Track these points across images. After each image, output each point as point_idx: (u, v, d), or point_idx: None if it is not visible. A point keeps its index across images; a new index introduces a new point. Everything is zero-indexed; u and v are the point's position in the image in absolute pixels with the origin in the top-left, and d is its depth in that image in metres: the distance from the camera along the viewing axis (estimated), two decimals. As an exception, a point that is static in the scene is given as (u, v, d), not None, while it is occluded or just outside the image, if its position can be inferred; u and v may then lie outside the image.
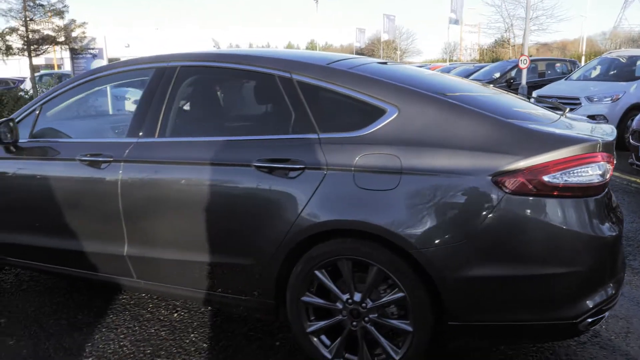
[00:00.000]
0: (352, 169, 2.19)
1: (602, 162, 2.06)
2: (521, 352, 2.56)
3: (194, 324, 2.92)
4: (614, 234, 2.10)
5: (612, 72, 9.34)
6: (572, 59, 14.94)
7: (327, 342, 2.39)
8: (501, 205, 2.01)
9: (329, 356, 2.36)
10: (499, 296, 2.07)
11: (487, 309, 2.09)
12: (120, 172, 2.66)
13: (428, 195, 2.08)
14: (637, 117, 6.34)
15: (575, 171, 2.01)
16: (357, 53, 54.73)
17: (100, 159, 2.73)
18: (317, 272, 2.31)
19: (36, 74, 14.25)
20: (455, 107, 2.19)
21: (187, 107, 2.84)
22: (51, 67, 29.67)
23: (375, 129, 2.23)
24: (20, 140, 3.04)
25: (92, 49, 13.04)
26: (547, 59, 15.05)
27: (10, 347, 2.72)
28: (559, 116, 2.46)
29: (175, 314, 3.04)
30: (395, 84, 2.32)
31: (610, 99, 8.04)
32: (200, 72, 2.76)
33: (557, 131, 2.15)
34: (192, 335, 2.80)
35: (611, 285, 2.15)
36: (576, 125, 2.38)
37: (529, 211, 2.00)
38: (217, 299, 2.61)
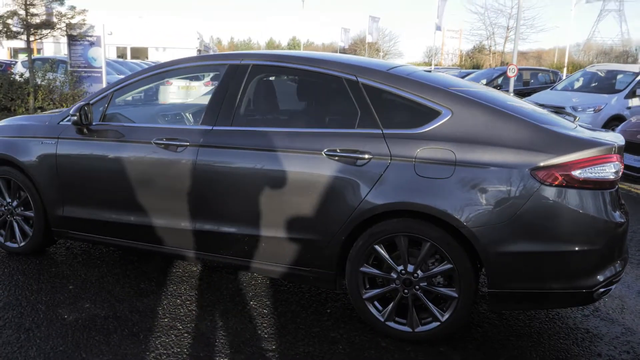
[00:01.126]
0: (414, 160, 2.61)
1: (616, 162, 2.53)
2: (535, 323, 3.02)
3: (251, 293, 3.29)
4: (623, 220, 2.57)
5: (593, 85, 10.02)
6: (555, 70, 15.72)
7: (380, 307, 2.81)
8: (537, 193, 2.46)
9: (382, 319, 2.78)
10: (532, 268, 2.52)
11: (522, 278, 2.54)
12: (197, 155, 3.02)
13: (477, 183, 2.52)
14: (619, 127, 6.95)
15: (596, 168, 2.48)
16: (341, 52, 55.31)
17: (177, 142, 3.08)
18: (376, 247, 2.72)
19: (23, 58, 14.19)
20: (500, 112, 2.64)
21: (259, 100, 3.21)
22: (30, 51, 29.22)
23: (432, 127, 2.66)
24: (93, 123, 3.37)
25: (90, 36, 13.12)
26: (532, 68, 15.79)
27: (88, 309, 3.04)
28: (576, 124, 2.94)
29: (231, 284, 3.42)
30: (448, 90, 2.75)
31: (593, 109, 8.69)
32: (271, 71, 3.15)
33: (582, 135, 2.62)
34: (251, 302, 3.17)
35: (618, 262, 2.63)
36: (592, 131, 2.86)
37: (559, 199, 2.46)
38: (281, 270, 2.99)
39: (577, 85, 10.15)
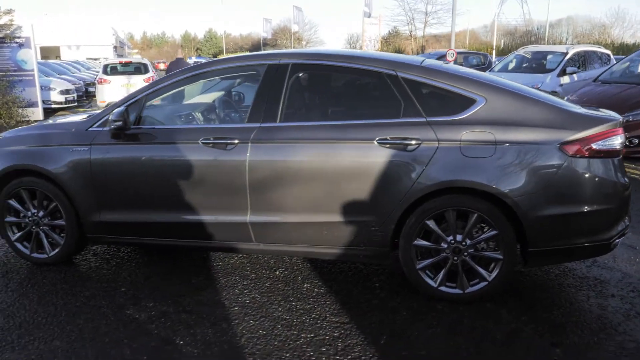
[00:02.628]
0: (459, 142, 2.97)
1: (622, 134, 3.05)
2: (552, 277, 3.52)
3: (299, 277, 3.53)
4: (629, 183, 3.10)
5: (525, 65, 10.98)
6: (484, 53, 16.87)
7: (431, 275, 3.17)
8: (565, 164, 2.91)
9: (435, 285, 3.14)
10: (563, 227, 2.98)
11: (556, 237, 2.99)
12: (248, 151, 3.20)
13: (516, 159, 2.93)
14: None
15: (608, 140, 2.97)
16: (264, 43, 55.07)
17: (226, 141, 3.24)
18: (427, 222, 3.07)
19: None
20: (526, 97, 3.07)
21: (302, 97, 3.42)
22: None
23: (470, 113, 3.03)
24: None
25: (19, 37, 12.34)
26: (464, 52, 16.81)
27: (154, 307, 3.14)
28: (576, 104, 3.44)
29: (277, 272, 3.63)
30: (478, 80, 3.14)
31: (532, 88, 9.56)
32: (311, 68, 3.37)
33: (595, 113, 3.11)
34: (305, 285, 3.42)
35: (627, 218, 3.16)
36: (594, 110, 3.37)
37: (582, 168, 2.92)
38: (337, 252, 3.26)
39: (512, 66, 11.08)
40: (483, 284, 3.10)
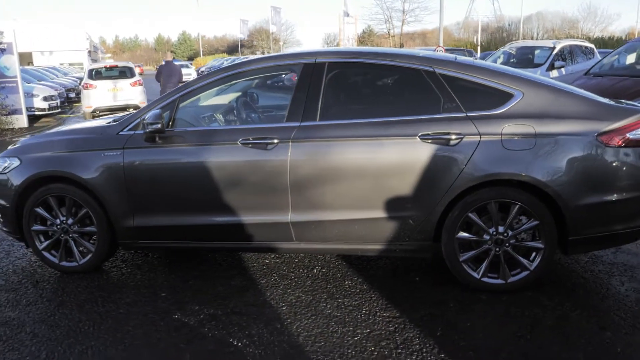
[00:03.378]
0: (500, 136, 3.04)
1: (642, 124, 3.16)
2: (582, 264, 3.63)
3: (338, 275, 3.55)
4: (658, 170, 3.22)
5: (513, 60, 11.21)
6: (470, 49, 17.09)
7: (473, 267, 3.23)
8: (603, 154, 3.00)
9: (478, 276, 3.20)
10: (601, 215, 3.07)
11: (595, 225, 3.08)
12: (289, 150, 3.21)
13: (555, 150, 3.01)
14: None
15: (638, 130, 3.08)
16: (241, 44, 54.76)
17: (267, 141, 3.24)
18: (470, 215, 3.13)
19: None
20: (560, 90, 3.16)
21: (341, 95, 3.44)
22: None
23: (509, 107, 3.10)
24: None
25: (1, 43, 12.02)
26: (449, 49, 17.00)
27: (201, 310, 3.12)
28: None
29: (315, 270, 3.65)
30: (514, 74, 3.21)
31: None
32: (348, 67, 3.40)
33: (624, 105, 3.21)
34: (346, 282, 3.44)
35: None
36: (619, 102, 3.47)
37: (618, 157, 3.02)
38: (379, 248, 3.30)
39: (500, 62, 11.29)
40: (525, 273, 3.17)
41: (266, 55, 3.56)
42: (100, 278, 3.65)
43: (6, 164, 3.76)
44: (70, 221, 3.66)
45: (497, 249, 3.16)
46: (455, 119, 3.11)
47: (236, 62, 3.60)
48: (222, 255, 3.97)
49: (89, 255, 3.68)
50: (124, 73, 13.93)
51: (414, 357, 2.58)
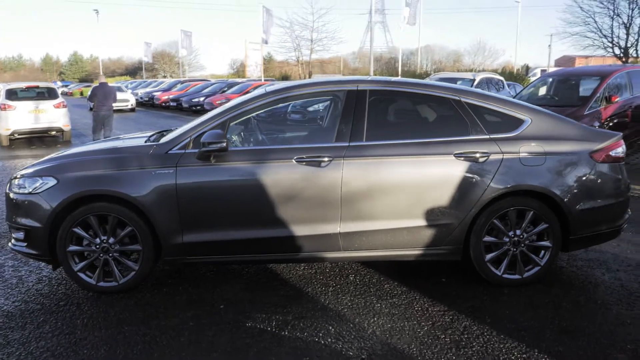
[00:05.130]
0: (518, 154, 3.66)
1: (623, 145, 3.98)
2: (562, 264, 4.35)
3: (373, 280, 3.93)
4: (629, 180, 4.05)
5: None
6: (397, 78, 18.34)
7: (495, 266, 3.78)
8: (594, 168, 3.75)
9: (499, 273, 3.76)
10: (594, 217, 3.79)
11: (589, 225, 3.79)
12: (342, 167, 3.57)
13: (560, 166, 3.69)
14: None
15: (618, 149, 3.88)
16: (146, 67, 52.93)
17: (320, 159, 3.57)
18: (495, 220, 3.70)
19: None
20: (558, 118, 3.88)
21: (382, 118, 3.85)
22: None
23: (522, 130, 3.75)
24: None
25: None
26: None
27: (267, 319, 3.32)
28: None
29: (351, 277, 3.98)
30: (521, 103, 3.89)
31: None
32: (387, 94, 3.86)
33: (605, 130, 4.01)
34: (385, 285, 3.83)
35: (629, 209, 4.09)
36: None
37: (605, 170, 3.78)
38: (417, 253, 3.74)
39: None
40: (537, 268, 3.79)
41: (309, 81, 3.89)
42: (145, 297, 3.67)
43: (37, 184, 3.67)
44: (111, 240, 3.66)
45: (515, 249, 3.76)
46: (481, 140, 3.69)
47: (282, 87, 3.89)
48: (254, 269, 4.16)
49: (132, 274, 3.69)
50: (45, 94, 13.14)
51: (480, 340, 3.03)
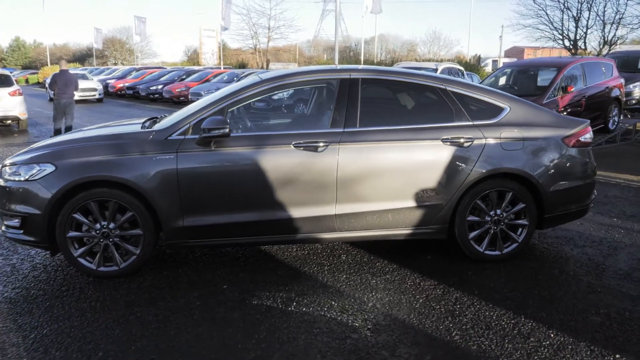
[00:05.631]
0: (499, 139, 3.95)
1: (591, 131, 4.35)
2: (534, 242, 4.72)
3: (364, 259, 4.15)
4: (595, 164, 4.43)
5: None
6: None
7: (477, 243, 4.08)
8: (566, 153, 4.10)
9: (482, 250, 4.06)
10: (565, 198, 4.15)
11: (561, 205, 4.15)
12: (338, 152, 3.75)
13: (536, 150, 4.02)
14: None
15: (586, 135, 4.25)
16: (97, 54, 50.88)
17: (317, 144, 3.74)
18: (478, 201, 3.99)
19: None
20: (533, 106, 4.20)
21: (374, 105, 4.05)
22: None
23: (502, 117, 4.04)
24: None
25: None
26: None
27: (271, 295, 3.49)
28: None
29: (342, 257, 4.19)
30: (500, 92, 4.18)
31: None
32: (379, 82, 4.06)
33: (574, 117, 4.37)
34: (377, 264, 4.06)
35: (595, 190, 4.48)
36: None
37: (576, 155, 4.14)
38: (408, 232, 3.99)
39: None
40: (515, 245, 4.12)
41: (305, 69, 4.03)
42: (146, 280, 3.75)
43: (34, 171, 3.67)
44: (112, 225, 3.71)
45: (495, 228, 4.07)
46: (466, 127, 3.96)
47: (278, 74, 4.02)
48: (249, 251, 4.30)
49: (133, 258, 3.76)
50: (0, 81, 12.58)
51: (471, 309, 3.32)
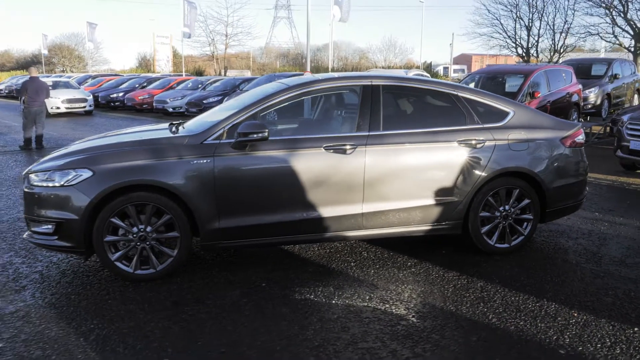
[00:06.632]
0: (507, 141, 4.32)
1: (583, 132, 4.80)
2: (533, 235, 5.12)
3: (385, 255, 4.40)
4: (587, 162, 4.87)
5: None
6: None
7: (489, 237, 4.42)
8: (564, 152, 4.52)
9: (492, 243, 4.40)
10: (564, 193, 4.56)
11: (560, 200, 4.55)
12: (365, 154, 4.00)
13: (539, 150, 4.41)
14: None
15: (580, 136, 4.69)
16: (45, 61, 48.77)
17: (346, 147, 3.97)
18: (489, 198, 4.33)
19: None
20: (534, 110, 4.60)
21: (394, 110, 4.31)
22: None
23: (508, 120, 4.41)
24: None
25: None
26: (295, 74, 18.33)
27: (312, 290, 3.67)
28: None
29: (364, 254, 4.42)
30: (504, 98, 4.56)
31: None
32: (398, 89, 4.33)
33: (568, 120, 4.80)
34: (399, 259, 4.31)
35: (587, 187, 4.92)
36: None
37: (572, 154, 4.57)
38: (427, 229, 4.27)
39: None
40: (521, 238, 4.49)
41: (327, 76, 4.24)
42: (184, 282, 3.84)
43: (69, 177, 3.70)
44: (149, 229, 3.78)
45: (504, 222, 4.42)
46: (477, 129, 4.30)
47: (303, 81, 4.22)
48: (273, 252, 4.46)
49: (169, 260, 3.84)
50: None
51: (498, 295, 3.63)
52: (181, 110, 18.08)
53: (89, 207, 3.66)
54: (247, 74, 50.76)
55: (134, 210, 3.75)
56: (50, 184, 3.75)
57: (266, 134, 3.77)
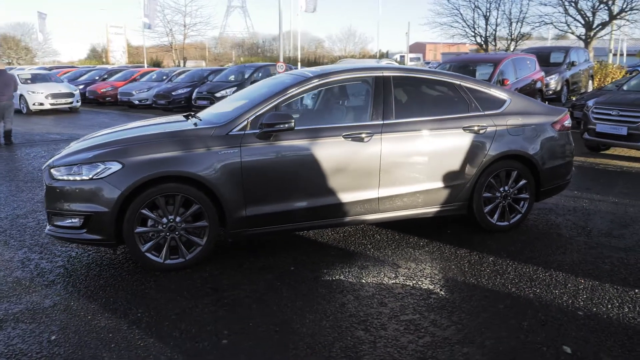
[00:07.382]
0: (506, 126, 4.65)
1: (569, 117, 5.20)
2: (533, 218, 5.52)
3: (397, 237, 4.66)
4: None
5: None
6: (288, 63, 18.92)
7: (491, 216, 4.75)
8: (555, 136, 4.90)
9: (494, 221, 4.74)
10: (555, 173, 4.95)
11: (552, 180, 4.94)
12: (381, 142, 4.22)
13: (533, 134, 4.77)
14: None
15: (567, 121, 5.08)
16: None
17: (364, 135, 4.18)
18: (491, 179, 4.66)
19: None
20: (527, 98, 4.95)
21: (405, 100, 4.53)
22: None
23: (505, 107, 4.75)
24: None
25: None
26: (267, 64, 18.20)
27: (341, 271, 3.88)
28: None
29: (377, 236, 4.67)
30: (500, 87, 4.87)
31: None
32: (407, 79, 4.56)
33: (557, 106, 5.19)
34: (411, 239, 4.58)
35: (574, 167, 5.34)
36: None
37: (561, 137, 4.96)
38: (437, 210, 4.56)
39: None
40: (519, 216, 4.86)
41: (342, 68, 4.44)
42: (214, 269, 3.97)
43: (98, 170, 3.75)
44: (178, 219, 3.88)
45: (504, 202, 4.77)
46: (479, 116, 4.61)
47: (322, 73, 4.39)
48: (288, 238, 4.63)
49: (198, 249, 3.96)
50: None
51: (511, 268, 3.96)
52: (148, 102, 17.74)
53: (119, 199, 3.72)
54: (203, 64, 49.93)
55: (163, 201, 3.84)
56: (78, 178, 3.78)
57: (292, 124, 3.93)
